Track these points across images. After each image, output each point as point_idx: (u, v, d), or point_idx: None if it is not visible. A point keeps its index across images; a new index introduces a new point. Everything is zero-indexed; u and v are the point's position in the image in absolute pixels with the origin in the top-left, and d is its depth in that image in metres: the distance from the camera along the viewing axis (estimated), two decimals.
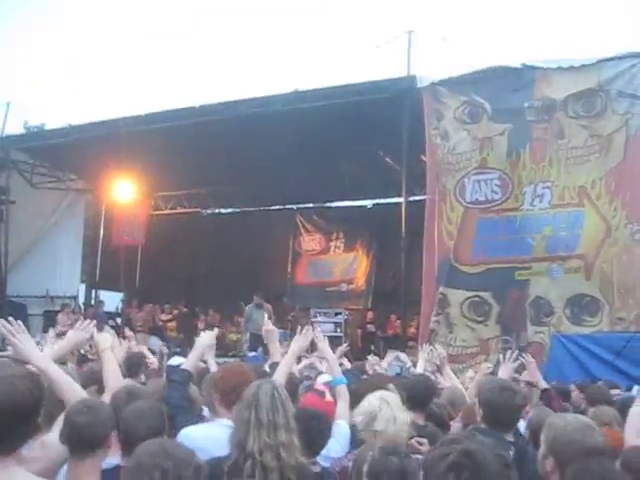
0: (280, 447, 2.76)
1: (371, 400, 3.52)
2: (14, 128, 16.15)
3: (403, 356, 7.43)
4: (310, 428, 3.34)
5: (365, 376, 5.90)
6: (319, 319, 14.37)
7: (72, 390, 3.07)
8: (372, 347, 14.36)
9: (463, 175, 9.99)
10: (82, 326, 3.72)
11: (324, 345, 4.64)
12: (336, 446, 3.60)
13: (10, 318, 3.10)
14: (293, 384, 4.51)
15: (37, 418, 2.21)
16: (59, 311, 15.48)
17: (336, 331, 14.04)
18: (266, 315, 5.07)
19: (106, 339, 3.90)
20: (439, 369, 5.99)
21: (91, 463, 2.66)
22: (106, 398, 3.40)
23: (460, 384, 5.73)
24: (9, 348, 3.28)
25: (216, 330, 4.56)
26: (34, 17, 55.87)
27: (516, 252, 9.53)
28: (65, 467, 2.78)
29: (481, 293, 9.64)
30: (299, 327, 4.54)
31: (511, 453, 3.17)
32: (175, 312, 17.98)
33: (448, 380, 5.76)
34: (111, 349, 3.87)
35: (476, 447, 1.85)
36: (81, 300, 18.33)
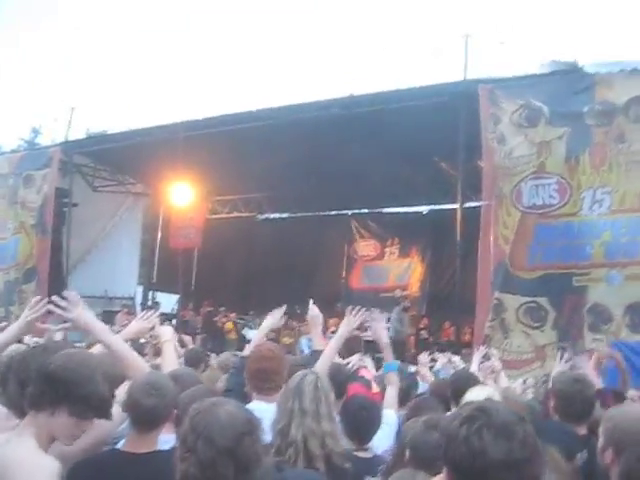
0: (325, 435, 2.79)
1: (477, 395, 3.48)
2: (77, 133, 16.63)
3: (456, 359, 7.36)
4: (360, 417, 3.36)
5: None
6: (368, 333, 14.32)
7: (134, 362, 3.15)
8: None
9: (520, 180, 9.83)
10: (146, 316, 3.85)
11: (379, 326, 4.58)
12: (382, 436, 3.61)
13: (65, 293, 3.13)
14: (342, 375, 4.45)
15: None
16: (118, 311, 15.83)
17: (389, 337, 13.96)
18: (311, 301, 5.01)
19: (168, 331, 4.03)
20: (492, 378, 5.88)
21: (152, 435, 2.82)
22: None
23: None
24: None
25: (283, 307, 4.59)
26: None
27: (574, 258, 9.32)
28: (124, 425, 2.92)
29: (537, 299, 9.45)
30: (348, 308, 4.44)
31: (584, 452, 3.12)
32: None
33: (501, 384, 5.67)
34: (171, 342, 3.98)
35: (491, 404, 1.85)
36: (138, 301, 18.72)
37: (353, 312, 4.34)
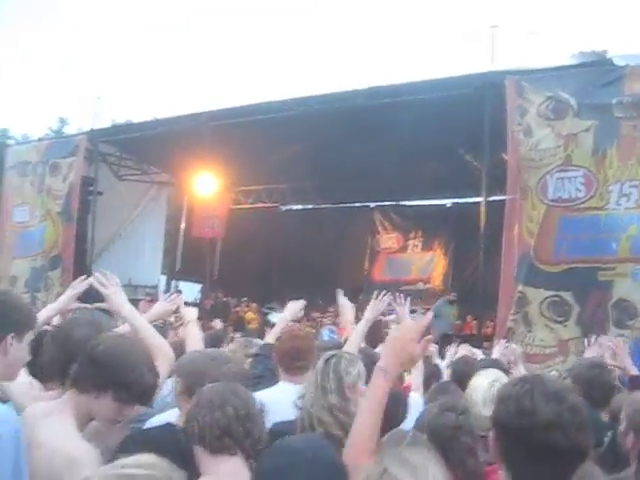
0: (332, 408, 2.79)
1: (487, 384, 3.47)
2: (103, 122, 16.74)
3: (476, 351, 7.32)
4: (385, 409, 3.34)
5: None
6: (393, 317, 14.31)
7: (160, 345, 3.19)
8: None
9: (546, 172, 9.72)
10: (170, 298, 3.91)
11: (404, 310, 4.61)
12: (407, 421, 3.59)
13: (106, 271, 3.27)
14: (371, 362, 4.45)
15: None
16: (141, 299, 15.95)
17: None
18: (339, 291, 5.06)
19: (191, 312, 4.09)
20: (512, 365, 5.86)
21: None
22: None
23: None
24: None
25: (302, 301, 4.62)
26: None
27: (599, 252, 9.21)
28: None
29: (561, 293, 9.35)
30: (374, 293, 4.50)
31: (608, 435, 3.10)
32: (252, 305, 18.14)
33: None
34: (195, 323, 4.02)
35: (546, 375, 1.97)
36: (161, 290, 18.85)
37: (379, 297, 4.42)
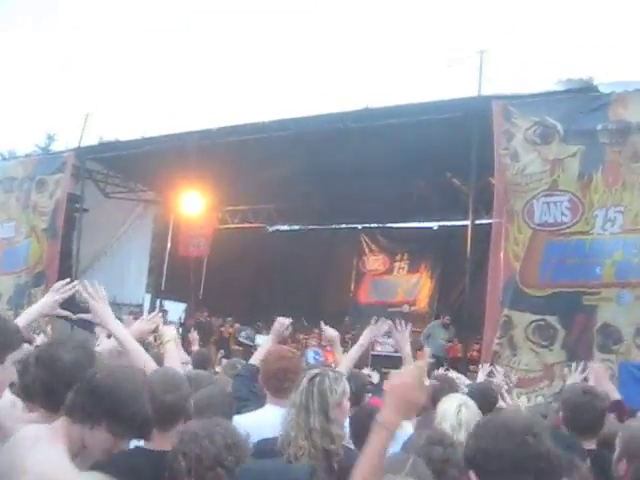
0: (313, 432, 2.76)
1: (453, 409, 3.48)
2: (90, 139, 16.67)
3: (461, 377, 7.29)
4: (367, 426, 3.32)
5: None
6: (381, 339, 14.28)
7: (142, 359, 3.15)
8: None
9: (532, 197, 9.78)
10: (149, 317, 3.87)
11: (402, 337, 4.59)
12: (395, 448, 3.56)
13: (94, 282, 3.22)
14: (359, 383, 4.44)
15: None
16: (123, 318, 15.80)
17: (396, 351, 13.91)
18: (322, 323, 5.08)
19: (170, 331, 4.04)
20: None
21: (172, 432, 2.77)
22: None
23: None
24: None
25: (288, 319, 4.60)
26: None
27: (584, 276, 9.24)
28: None
29: (547, 317, 9.36)
30: (373, 319, 4.48)
31: (587, 461, 3.08)
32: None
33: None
34: (174, 342, 3.98)
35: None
36: (146, 309, 18.72)
37: (378, 323, 4.40)
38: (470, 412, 3.41)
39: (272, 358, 3.64)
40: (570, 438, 3.32)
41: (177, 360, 3.98)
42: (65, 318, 3.75)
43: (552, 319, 9.36)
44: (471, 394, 4.44)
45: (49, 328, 4.54)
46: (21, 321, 3.05)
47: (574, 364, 5.39)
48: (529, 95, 10.30)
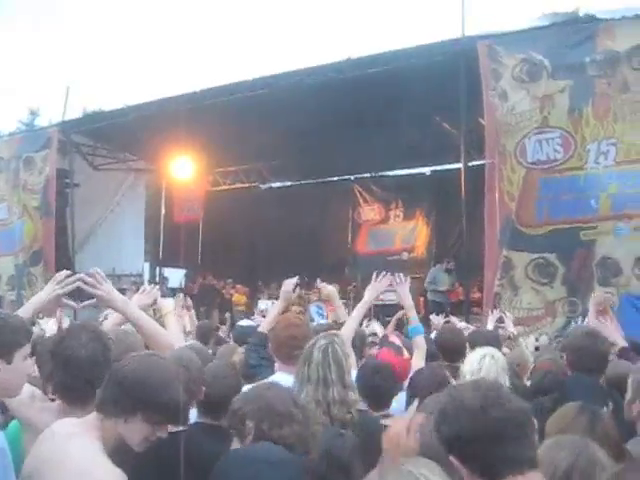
0: (331, 403, 2.78)
1: (478, 356, 3.51)
2: (74, 112, 16.44)
3: (462, 324, 7.32)
4: (374, 382, 3.36)
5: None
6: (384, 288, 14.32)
7: (159, 337, 3.14)
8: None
9: (523, 135, 9.73)
10: (146, 291, 3.84)
11: (402, 289, 4.59)
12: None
13: (91, 270, 3.16)
14: (359, 337, 4.49)
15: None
16: (126, 289, 15.83)
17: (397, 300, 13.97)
18: (318, 280, 5.10)
19: (169, 303, 4.02)
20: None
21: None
22: None
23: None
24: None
25: (295, 278, 4.57)
26: None
27: (581, 212, 9.26)
28: None
29: (546, 255, 9.42)
30: (374, 274, 4.46)
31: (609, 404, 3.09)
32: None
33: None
34: (173, 314, 3.96)
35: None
36: (146, 278, 18.74)
37: (378, 278, 4.38)
38: (495, 362, 3.43)
39: (281, 326, 3.63)
40: (587, 379, 3.35)
41: (179, 332, 3.98)
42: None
43: (551, 257, 9.41)
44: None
45: (58, 311, 4.50)
46: (26, 312, 3.02)
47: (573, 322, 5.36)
48: (513, 32, 10.17)
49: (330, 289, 4.92)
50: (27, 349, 2.42)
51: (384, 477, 1.40)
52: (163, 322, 4.02)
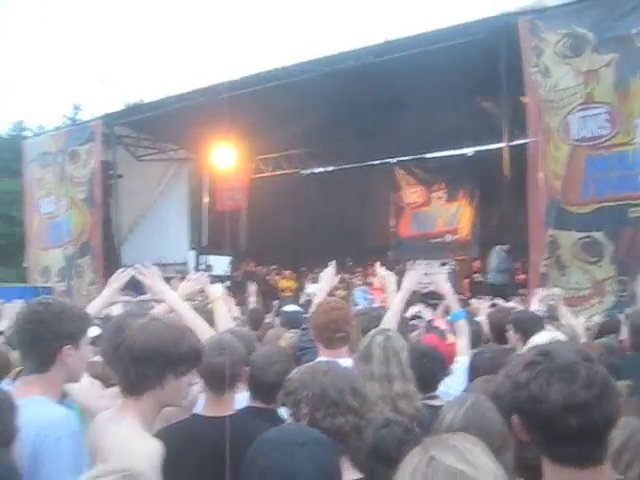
0: (396, 398, 2.78)
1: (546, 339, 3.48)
2: (116, 105, 16.72)
3: (509, 304, 7.25)
4: (422, 366, 3.35)
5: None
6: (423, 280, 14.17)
7: (201, 329, 3.20)
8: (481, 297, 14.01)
9: (567, 112, 9.52)
10: (195, 277, 3.89)
11: (441, 278, 4.56)
12: (456, 383, 3.60)
13: (145, 263, 3.28)
14: (401, 326, 4.47)
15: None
16: (172, 277, 16.03)
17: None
18: (378, 263, 5.05)
19: (217, 289, 4.05)
20: (554, 309, 5.80)
21: (227, 398, 2.84)
22: None
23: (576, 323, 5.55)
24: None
25: (333, 264, 4.56)
26: None
27: (629, 188, 9.04)
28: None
29: (593, 233, 9.23)
30: (409, 262, 4.45)
31: None
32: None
33: (564, 320, 5.59)
34: (221, 300, 4.00)
35: (553, 347, 1.77)
36: (191, 266, 18.97)
37: (414, 266, 4.36)
38: None
39: (321, 310, 3.60)
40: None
41: (228, 317, 4.01)
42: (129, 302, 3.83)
43: (598, 235, 9.22)
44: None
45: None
46: (94, 309, 3.15)
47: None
48: (556, 6, 9.92)
49: (385, 273, 4.85)
50: (88, 336, 2.52)
51: (428, 450, 1.39)
52: (212, 308, 4.08)
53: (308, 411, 2.21)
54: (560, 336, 3.52)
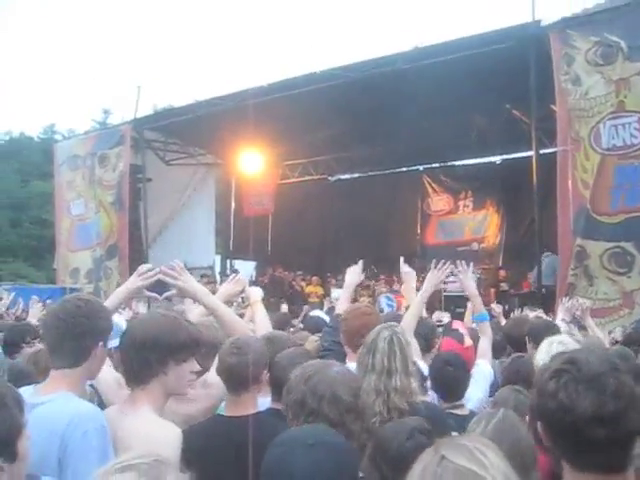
0: (391, 392, 2.77)
1: (546, 346, 3.47)
2: (145, 109, 16.90)
3: (538, 312, 7.17)
4: (446, 374, 3.33)
5: None
6: (450, 279, 14.13)
7: (236, 325, 3.22)
8: (506, 306, 13.90)
9: (598, 121, 9.43)
10: (235, 279, 3.90)
11: (466, 278, 4.52)
12: (475, 389, 3.56)
13: (172, 262, 3.28)
14: (427, 329, 4.43)
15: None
16: (198, 281, 16.11)
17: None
18: (402, 258, 5.00)
19: (257, 292, 4.07)
20: (581, 320, 5.73)
21: (246, 398, 2.84)
22: None
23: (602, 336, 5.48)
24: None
25: (360, 262, 4.53)
26: None
27: None
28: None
29: (622, 243, 9.11)
30: (433, 262, 4.39)
31: None
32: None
33: (591, 331, 5.51)
34: (261, 302, 4.01)
35: (583, 355, 1.74)
36: (217, 270, 19.08)
37: (438, 266, 4.31)
38: (565, 348, 3.38)
39: (352, 315, 3.59)
40: None
41: (267, 321, 4.01)
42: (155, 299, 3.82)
43: (628, 245, 9.10)
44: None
45: (134, 302, 4.68)
46: (112, 304, 3.14)
47: None
48: (587, 15, 9.83)
49: (407, 269, 4.82)
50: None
51: (439, 450, 1.38)
52: (251, 310, 4.09)
53: (291, 417, 2.20)
54: (565, 339, 3.49)
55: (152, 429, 2.32)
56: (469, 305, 6.84)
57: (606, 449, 1.62)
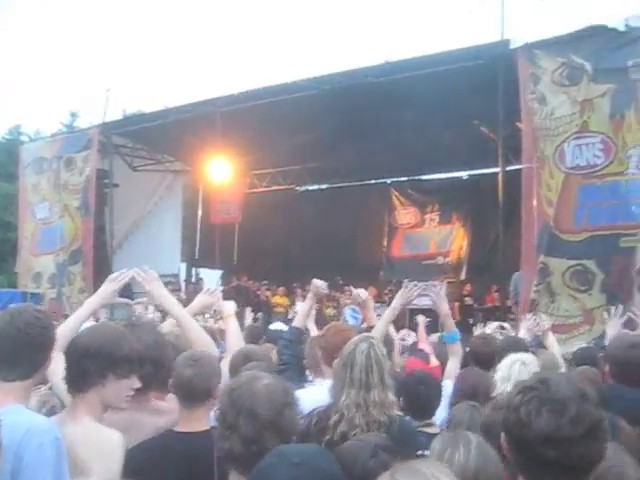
0: (370, 405, 2.78)
1: (508, 362, 3.51)
2: (114, 114, 16.71)
3: (506, 325, 7.26)
4: (419, 393, 3.35)
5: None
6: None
7: (200, 337, 3.23)
8: (470, 320, 14.05)
9: (562, 140, 9.59)
10: (210, 291, 3.88)
11: (437, 297, 4.54)
12: (440, 409, 3.59)
13: (144, 267, 3.28)
14: (388, 343, 4.45)
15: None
16: None
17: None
18: (352, 287, 5.04)
19: (230, 306, 4.04)
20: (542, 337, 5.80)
21: (199, 413, 2.78)
22: (227, 360, 3.54)
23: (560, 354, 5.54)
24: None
25: (323, 282, 4.50)
26: None
27: (622, 218, 9.08)
28: None
29: (584, 261, 9.26)
30: (405, 282, 4.40)
31: None
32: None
33: (551, 348, 5.58)
34: (234, 316, 3.99)
35: (556, 377, 1.78)
36: (182, 278, 18.93)
37: (410, 286, 4.30)
38: (526, 368, 3.42)
39: (331, 332, 3.58)
40: (629, 391, 3.28)
41: (239, 335, 3.98)
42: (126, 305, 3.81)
43: (589, 263, 9.26)
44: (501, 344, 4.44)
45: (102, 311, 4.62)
46: (85, 312, 3.12)
47: (613, 308, 5.34)
48: (554, 37, 10.01)
49: (364, 294, 4.84)
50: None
51: (394, 475, 1.39)
52: (223, 323, 4.06)
53: (219, 431, 2.15)
54: (527, 358, 3.55)
55: (94, 436, 2.36)
56: (421, 319, 6.90)
57: (559, 471, 1.64)
